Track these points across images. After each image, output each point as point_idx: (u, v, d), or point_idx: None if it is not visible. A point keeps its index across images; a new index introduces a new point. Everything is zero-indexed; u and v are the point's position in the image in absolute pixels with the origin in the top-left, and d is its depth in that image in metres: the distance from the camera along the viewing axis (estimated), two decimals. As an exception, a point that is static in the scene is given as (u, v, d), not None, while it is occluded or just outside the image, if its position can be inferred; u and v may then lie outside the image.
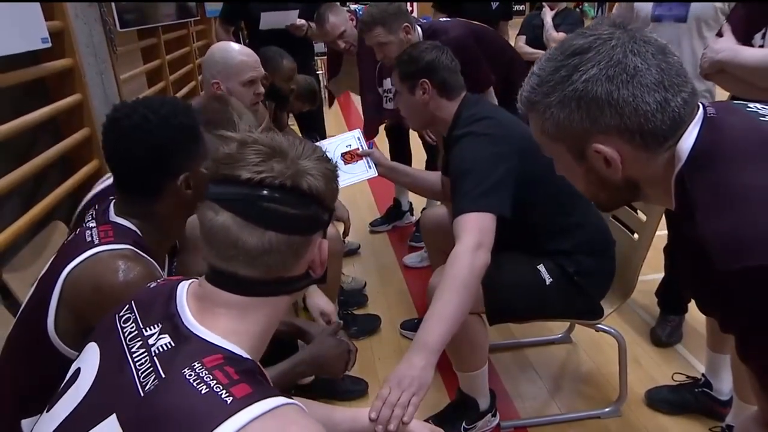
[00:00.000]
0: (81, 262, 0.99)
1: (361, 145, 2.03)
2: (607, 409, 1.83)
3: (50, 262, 1.09)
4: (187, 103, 1.14)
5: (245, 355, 0.71)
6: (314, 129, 3.40)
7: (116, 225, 1.06)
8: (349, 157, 2.01)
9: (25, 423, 1.03)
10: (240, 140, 0.74)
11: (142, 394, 0.67)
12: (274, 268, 0.74)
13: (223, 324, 0.72)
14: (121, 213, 1.08)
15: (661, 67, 0.72)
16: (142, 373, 0.69)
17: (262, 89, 1.95)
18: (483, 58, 2.32)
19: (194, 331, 0.71)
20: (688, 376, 1.87)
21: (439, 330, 1.28)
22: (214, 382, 0.64)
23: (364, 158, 2.00)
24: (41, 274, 1.09)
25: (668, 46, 0.75)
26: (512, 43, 3.18)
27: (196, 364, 0.66)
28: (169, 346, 0.70)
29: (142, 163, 1.04)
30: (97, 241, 1.01)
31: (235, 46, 1.96)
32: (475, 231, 1.40)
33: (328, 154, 0.79)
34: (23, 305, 1.12)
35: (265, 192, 0.70)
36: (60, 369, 1.00)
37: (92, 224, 1.07)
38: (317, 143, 1.74)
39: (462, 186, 1.49)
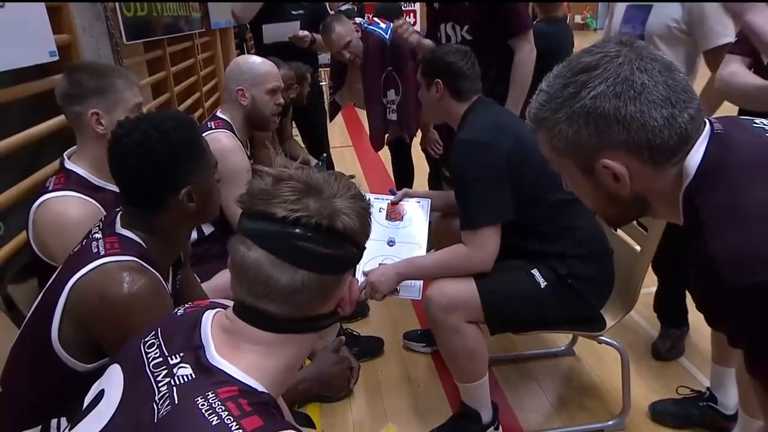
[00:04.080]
0: (87, 272, 1.00)
1: (383, 199, 1.95)
2: (610, 423, 1.82)
3: (56, 273, 1.10)
4: (190, 117, 1.16)
5: (261, 389, 0.71)
6: (318, 140, 3.42)
7: (122, 237, 1.07)
8: (394, 214, 1.92)
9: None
10: (275, 175, 0.73)
11: (156, 421, 0.67)
12: (304, 307, 0.74)
13: (249, 359, 0.72)
14: (127, 225, 1.09)
15: (668, 83, 0.73)
16: (160, 400, 0.69)
17: (282, 100, 2.03)
18: None
19: (215, 364, 0.71)
20: (692, 390, 1.85)
21: (415, 274, 1.72)
22: (226, 413, 0.64)
23: (403, 205, 1.94)
24: (46, 285, 1.10)
25: (674, 63, 0.76)
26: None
27: (210, 393, 0.66)
28: (190, 378, 0.70)
29: (145, 179, 1.06)
30: (102, 252, 1.02)
31: (258, 58, 2.06)
32: (477, 246, 1.59)
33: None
34: (28, 316, 1.12)
35: (299, 231, 0.70)
36: (64, 380, 1.01)
37: (98, 235, 1.08)
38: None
39: (463, 199, 1.62)
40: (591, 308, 1.66)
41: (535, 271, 1.61)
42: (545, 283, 1.60)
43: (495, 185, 1.57)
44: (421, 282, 1.81)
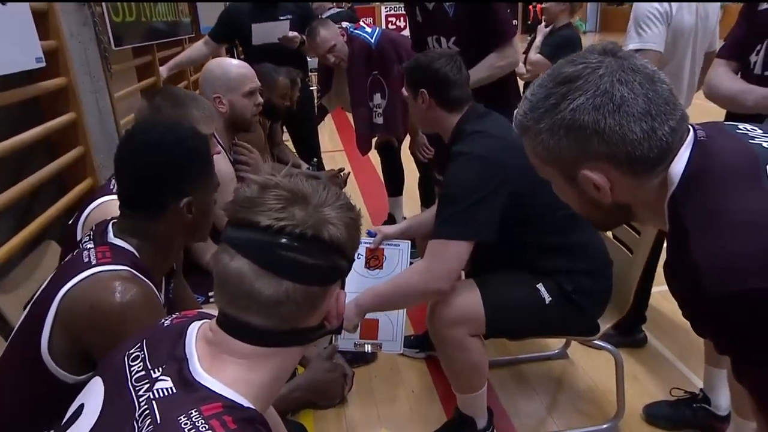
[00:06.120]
0: (78, 282, 0.99)
1: (361, 243, 1.80)
2: (605, 425, 1.82)
3: (46, 282, 1.08)
4: (205, 134, 1.17)
5: (247, 404, 0.69)
6: (308, 144, 3.41)
7: (114, 246, 1.06)
8: (374, 261, 1.83)
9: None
10: (261, 183, 0.71)
11: None
12: (289, 319, 0.71)
13: (231, 372, 0.70)
14: (121, 233, 1.08)
15: (648, 96, 0.73)
16: (140, 417, 0.67)
17: (260, 99, 2.00)
18: None
19: (198, 379, 0.69)
20: (686, 391, 1.86)
21: (374, 304, 1.61)
22: (210, 431, 0.62)
23: (384, 249, 1.85)
24: (36, 295, 1.08)
25: (657, 74, 0.76)
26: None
27: (193, 411, 0.64)
28: (170, 392, 0.68)
29: (151, 180, 1.05)
30: (94, 262, 1.01)
31: (231, 60, 2.03)
32: (440, 259, 1.50)
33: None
34: (17, 327, 1.10)
35: (284, 240, 0.67)
36: (53, 391, 1.00)
37: (90, 245, 1.07)
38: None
39: (443, 210, 1.54)
40: (590, 319, 1.65)
41: (540, 286, 1.58)
42: (550, 298, 1.58)
43: (486, 203, 1.48)
44: (402, 335, 1.78)
